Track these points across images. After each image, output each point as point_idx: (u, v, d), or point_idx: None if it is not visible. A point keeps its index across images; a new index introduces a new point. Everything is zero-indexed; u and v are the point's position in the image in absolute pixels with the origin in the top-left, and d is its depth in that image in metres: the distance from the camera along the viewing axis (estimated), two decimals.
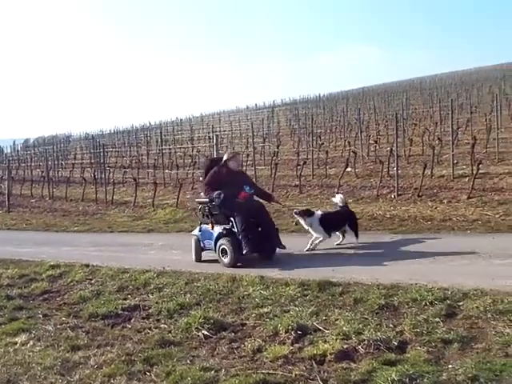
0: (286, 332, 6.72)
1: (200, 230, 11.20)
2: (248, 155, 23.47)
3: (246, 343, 6.66)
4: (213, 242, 10.73)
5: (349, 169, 18.76)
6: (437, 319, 6.72)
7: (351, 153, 20.48)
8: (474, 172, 14.73)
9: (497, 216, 11.95)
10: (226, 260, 10.42)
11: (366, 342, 6.21)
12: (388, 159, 17.42)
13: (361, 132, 25.62)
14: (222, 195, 10.59)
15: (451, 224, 11.63)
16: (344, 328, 6.63)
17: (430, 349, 6.05)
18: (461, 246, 10.00)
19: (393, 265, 9.46)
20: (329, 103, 66.38)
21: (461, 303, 7.12)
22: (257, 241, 10.36)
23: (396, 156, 16.34)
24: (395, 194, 15.10)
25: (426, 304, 7.17)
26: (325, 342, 6.36)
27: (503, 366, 5.52)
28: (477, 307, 6.89)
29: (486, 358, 5.74)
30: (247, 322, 7.29)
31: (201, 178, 11.91)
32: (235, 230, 10.48)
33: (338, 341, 6.32)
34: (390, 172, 16.97)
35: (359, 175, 18.69)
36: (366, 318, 6.93)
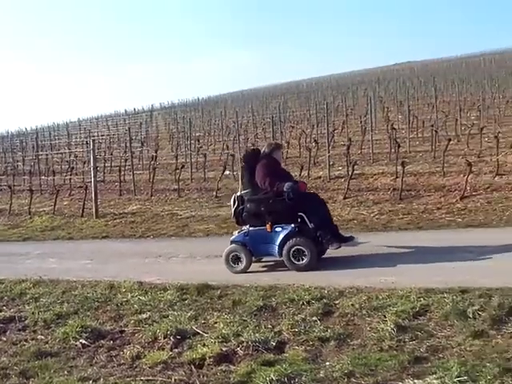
0: (164, 337, 6.69)
1: (247, 235, 9.56)
2: (126, 160, 23.17)
3: (124, 350, 6.58)
4: (276, 246, 9.27)
5: (227, 172, 18.84)
6: (314, 318, 6.86)
7: (229, 156, 20.55)
8: (350, 173, 15.09)
9: (371, 215, 12.27)
10: (304, 262, 9.07)
11: (244, 344, 6.26)
12: None
13: (239, 135, 25.77)
14: (296, 186, 9.49)
15: None
16: (223, 331, 6.67)
17: (308, 347, 6.17)
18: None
19: (270, 266, 9.56)
20: (207, 107, 66.58)
21: (337, 301, 7.31)
22: (335, 231, 9.56)
23: None
24: None
25: (303, 304, 7.31)
26: (204, 345, 6.37)
27: (378, 360, 5.69)
28: (352, 305, 7.08)
29: (362, 353, 5.90)
30: (126, 329, 7.20)
31: (240, 174, 10.30)
32: (309, 225, 9.26)
33: (216, 344, 6.34)
34: None
35: (237, 178, 18.76)
36: (245, 320, 6.98)
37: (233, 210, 9.79)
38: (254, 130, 33.64)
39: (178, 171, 18.61)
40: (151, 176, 19.11)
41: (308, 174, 17.37)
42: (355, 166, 15.94)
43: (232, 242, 9.67)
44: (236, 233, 9.86)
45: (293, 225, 9.25)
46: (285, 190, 9.24)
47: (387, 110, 32.74)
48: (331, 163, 17.93)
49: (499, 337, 5.95)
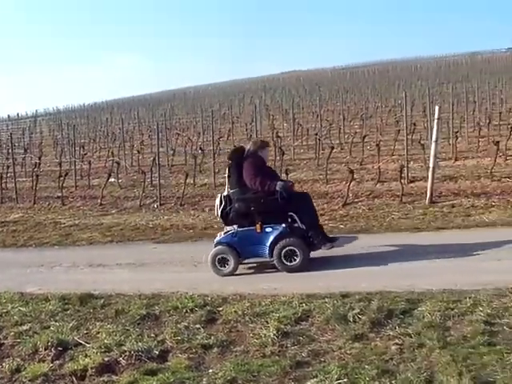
0: (45, 349, 6.53)
1: (235, 236, 9.22)
2: (8, 167, 22.47)
3: (3, 364, 6.37)
4: (266, 246, 8.99)
5: (112, 179, 18.57)
6: (197, 325, 6.87)
7: (114, 163, 20.30)
8: None
9: None
10: (296, 263, 8.86)
11: (127, 354, 6.19)
12: (151, 169, 17.47)
13: (124, 142, 25.50)
14: (289, 184, 9.32)
15: (212, 231, 11.84)
16: (105, 341, 6.58)
17: (191, 355, 6.16)
18: None
19: (155, 274, 9.48)
20: (93, 113, 65.54)
21: (220, 308, 7.34)
22: (325, 234, 9.36)
23: (158, 166, 16.44)
24: (158, 203, 15.16)
25: (186, 311, 7.30)
26: (86, 356, 6.26)
27: (260, 366, 5.75)
28: (235, 311, 7.12)
29: (245, 360, 5.95)
30: (5, 342, 6.98)
31: (227, 171, 9.73)
32: (300, 226, 9.08)
33: (99, 354, 6.25)
34: (154, 182, 17.02)
35: (122, 186, 18.57)
36: (128, 330, 6.91)
37: (220, 210, 9.38)
38: (139, 136, 33.36)
39: (61, 178, 18.19)
40: (34, 183, 18.60)
41: (193, 181, 17.36)
42: None
43: (218, 244, 9.31)
44: (221, 234, 9.50)
45: (284, 225, 9.03)
46: (277, 189, 9.01)
47: (273, 118, 33.17)
48: (217, 170, 17.97)
49: (378, 339, 6.12)
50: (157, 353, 6.23)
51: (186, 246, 11.20)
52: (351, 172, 13.53)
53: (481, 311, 6.51)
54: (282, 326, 6.54)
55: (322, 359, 5.81)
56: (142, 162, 21.91)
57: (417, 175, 15.54)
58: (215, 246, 9.29)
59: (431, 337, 5.97)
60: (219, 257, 9.15)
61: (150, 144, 27.84)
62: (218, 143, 23.47)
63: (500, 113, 25.56)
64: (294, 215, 9.09)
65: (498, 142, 15.62)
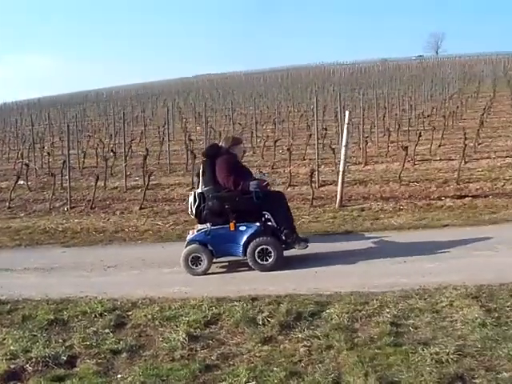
0: None
1: (208, 234, 9.07)
2: None
3: None
4: (240, 245, 8.91)
5: (21, 181, 18.13)
6: (106, 330, 6.79)
7: (24, 165, 19.83)
8: (146, 183, 15.04)
9: (167, 226, 12.30)
10: (270, 262, 8.81)
11: (34, 360, 6.08)
12: (61, 171, 17.14)
13: (34, 144, 24.96)
14: (261, 186, 9.11)
15: (123, 235, 11.74)
16: (11, 347, 6.43)
17: (100, 361, 6.09)
18: (132, 256, 10.14)
19: (64, 279, 9.30)
20: (2, 114, 63.84)
21: (130, 313, 7.29)
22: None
23: (68, 168, 16.14)
24: (68, 206, 14.89)
25: (95, 316, 7.21)
26: None
27: (169, 370, 5.75)
28: (145, 315, 7.08)
29: (154, 364, 5.92)
30: None
31: (201, 168, 9.45)
32: (274, 225, 9.05)
33: (4, 361, 6.11)
34: (64, 184, 16.71)
35: (32, 188, 18.15)
36: (35, 335, 6.77)
37: (194, 207, 9.23)
38: (50, 138, 32.70)
39: None
40: None
41: (104, 184, 17.11)
42: (152, 177, 15.95)
43: (191, 242, 9.12)
44: (193, 232, 9.33)
45: (258, 223, 8.97)
46: (252, 189, 8.93)
47: (185, 121, 33.05)
48: (128, 173, 17.80)
49: (287, 342, 6.19)
50: (64, 358, 6.12)
51: (96, 249, 11.04)
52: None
53: (387, 313, 6.68)
54: (192, 330, 6.55)
55: (231, 362, 5.84)
56: (52, 165, 21.48)
57: (327, 179, 15.75)
58: (187, 245, 9.14)
59: (339, 338, 6.08)
60: (192, 256, 9.01)
61: (61, 146, 27.30)
62: (130, 146, 23.25)
63: (409, 119, 26.20)
64: (268, 214, 9.08)
65: (406, 147, 16.01)
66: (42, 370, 5.95)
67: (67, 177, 15.86)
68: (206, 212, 9.13)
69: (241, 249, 8.92)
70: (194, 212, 9.29)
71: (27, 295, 8.18)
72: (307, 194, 13.61)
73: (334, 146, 17.27)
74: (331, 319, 6.60)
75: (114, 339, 6.53)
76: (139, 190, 15.96)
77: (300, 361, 5.75)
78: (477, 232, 10.14)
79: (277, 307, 6.98)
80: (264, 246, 8.79)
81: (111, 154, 20.54)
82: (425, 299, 7.01)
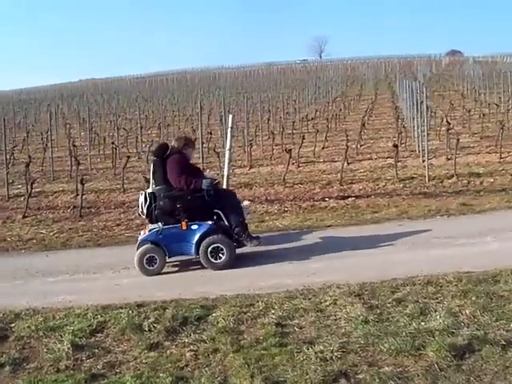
0: None
1: (160, 234, 8.94)
2: None
3: None
4: (193, 244, 8.84)
5: None
6: None
7: None
8: (29, 191, 14.67)
9: (51, 234, 12.02)
10: (221, 260, 8.79)
11: None
12: None
13: None
14: (214, 182, 9.13)
15: (5, 245, 11.40)
16: None
17: None
18: (14, 267, 9.87)
19: None
20: None
21: (13, 324, 7.10)
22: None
23: None
24: None
25: None
26: None
27: (54, 381, 5.71)
28: (29, 327, 6.94)
29: (38, 376, 5.84)
30: None
31: (152, 169, 9.39)
32: (225, 223, 9.00)
33: None
34: None
35: None
36: None
37: (145, 207, 9.09)
38: None
39: None
40: None
41: None
42: (35, 184, 15.56)
43: (143, 242, 9.01)
44: (145, 232, 9.20)
45: (210, 222, 8.94)
46: (204, 187, 8.91)
47: (69, 127, 32.44)
48: (10, 181, 17.31)
49: (173, 347, 6.22)
50: None
51: None
52: (147, 181, 13.51)
53: (273, 314, 6.80)
54: (77, 339, 6.48)
55: (118, 370, 5.81)
56: None
57: None
58: (140, 245, 9.04)
59: (225, 341, 6.14)
60: (147, 256, 8.90)
61: None
62: (12, 153, 22.63)
63: (293, 122, 26.59)
64: (220, 213, 9.07)
65: (290, 149, 16.27)
66: None
67: None
68: (157, 211, 9.08)
69: (193, 248, 8.91)
70: (144, 212, 9.22)
71: None
72: None
73: (218, 150, 17.38)
74: (217, 322, 6.66)
75: None
76: (22, 198, 15.52)
77: (187, 365, 5.79)
78: (359, 231, 10.44)
79: (163, 313, 6.99)
80: (216, 245, 8.82)
81: None
82: (309, 299, 7.17)
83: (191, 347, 6.12)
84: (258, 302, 7.14)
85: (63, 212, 13.95)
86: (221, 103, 24.69)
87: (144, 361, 5.94)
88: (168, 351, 6.12)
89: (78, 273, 9.32)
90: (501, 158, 17.00)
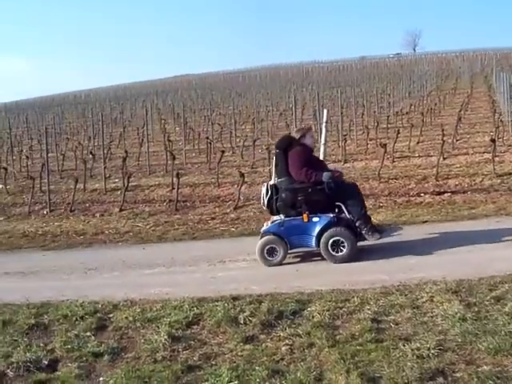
0: None
1: (282, 225, 9.06)
2: None
3: None
4: (314, 236, 8.86)
5: (0, 186, 18.04)
6: (88, 333, 6.77)
7: (2, 169, 19.69)
8: (126, 185, 15.00)
9: (147, 227, 12.26)
10: (344, 253, 8.77)
11: (15, 365, 6.07)
12: (40, 174, 17.04)
13: (13, 147, 24.84)
14: (334, 177, 9.07)
15: (103, 237, 11.70)
16: None
17: (81, 364, 6.08)
18: (112, 258, 10.12)
19: (44, 282, 9.24)
20: None
21: (111, 315, 7.27)
22: (373, 224, 9.24)
23: (47, 171, 16.07)
24: (47, 209, 14.80)
25: (76, 319, 7.18)
26: None
27: (151, 372, 5.74)
28: (126, 317, 7.07)
29: (136, 366, 5.93)
30: None
31: (274, 160, 9.49)
32: (347, 216, 8.98)
33: None
34: (43, 188, 16.62)
35: (11, 192, 18.04)
36: (16, 340, 6.74)
37: (266, 199, 9.28)
38: (29, 141, 32.57)
39: None
40: None
41: (84, 186, 17.04)
42: (131, 178, 15.91)
43: (265, 234, 9.16)
44: (268, 224, 9.35)
45: (331, 215, 8.94)
46: (324, 180, 8.89)
47: (164, 122, 33.01)
48: (107, 175, 17.75)
49: (269, 340, 6.21)
50: (46, 363, 6.11)
51: (76, 252, 11.00)
52: (242, 175, 13.63)
53: (368, 309, 6.72)
54: (174, 331, 6.56)
55: (213, 362, 5.85)
56: (31, 168, 21.36)
57: None
58: (262, 236, 9.16)
59: (320, 336, 6.10)
60: (268, 247, 9.02)
61: (40, 149, 27.21)
62: (109, 148, 23.20)
63: (388, 116, 26.31)
64: (342, 205, 9.01)
65: (385, 144, 16.05)
66: (23, 374, 5.95)
67: (46, 180, 15.79)
68: (279, 203, 9.15)
69: (314, 240, 8.89)
70: (265, 203, 9.34)
71: (7, 300, 8.11)
72: None
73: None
74: (312, 317, 6.62)
75: (95, 342, 6.51)
76: (119, 192, 15.91)
77: (282, 359, 5.77)
78: (456, 227, 10.21)
79: (258, 306, 7.00)
80: (337, 238, 8.77)
81: (90, 156, 20.46)
82: (405, 295, 7.05)
83: (286, 341, 6.11)
84: (353, 297, 7.08)
85: (159, 206, 14.21)
86: (314, 98, 24.64)
87: (240, 353, 5.96)
88: (263, 344, 6.12)
89: (173, 265, 9.47)
90: None
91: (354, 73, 78.78)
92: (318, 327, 6.33)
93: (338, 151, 19.72)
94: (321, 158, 10.52)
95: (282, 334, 6.28)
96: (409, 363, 5.41)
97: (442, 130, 17.41)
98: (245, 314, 6.82)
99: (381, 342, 5.88)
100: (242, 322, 6.67)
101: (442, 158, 16.05)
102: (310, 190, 8.94)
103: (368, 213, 9.46)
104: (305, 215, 8.90)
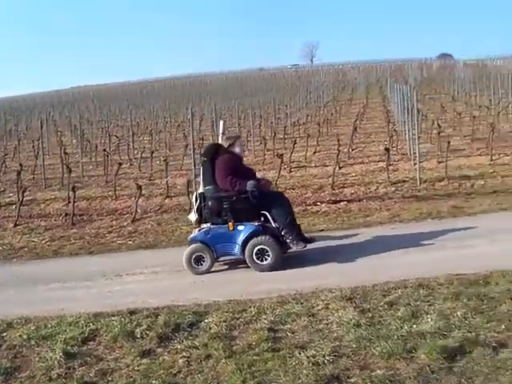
0: None
1: (208, 233, 9.05)
2: None
3: None
4: (238, 245, 8.89)
5: None
6: None
7: None
8: (21, 199, 14.62)
9: (43, 242, 11.97)
10: (268, 262, 8.75)
11: None
12: None
13: None
14: (259, 184, 9.06)
15: None
16: None
17: None
18: (6, 275, 9.88)
19: None
20: None
21: (4, 334, 7.08)
22: (299, 231, 9.11)
23: None
24: None
25: None
26: None
27: None
28: (20, 336, 6.92)
29: None
30: None
31: (201, 169, 9.53)
32: (272, 224, 8.94)
33: None
34: None
35: None
36: None
37: (195, 207, 9.27)
38: None
39: None
40: None
41: None
42: (26, 192, 15.54)
43: (192, 242, 9.15)
44: (196, 231, 9.32)
45: (256, 223, 8.92)
46: (248, 189, 8.87)
47: (61, 135, 32.37)
48: (2, 189, 17.24)
49: (166, 354, 6.21)
50: None
51: None
52: (139, 188, 13.51)
53: (265, 319, 6.81)
54: (69, 348, 6.46)
55: (110, 378, 5.80)
56: None
57: None
58: (189, 244, 9.18)
59: (217, 347, 6.14)
60: (195, 255, 9.02)
61: None
62: (4, 161, 22.58)
63: (285, 127, 26.57)
64: (267, 214, 9.00)
65: (282, 154, 16.24)
66: None
67: None
68: (206, 212, 9.15)
69: (239, 248, 8.92)
70: (195, 211, 9.36)
71: None
72: (185, 204, 13.53)
73: None
74: (210, 328, 6.66)
75: None
76: (14, 207, 15.47)
77: (179, 372, 5.78)
78: (352, 235, 10.45)
79: (155, 319, 6.99)
80: (262, 246, 8.79)
81: None
82: (301, 303, 7.18)
83: (184, 354, 6.11)
84: (250, 307, 7.15)
85: (55, 220, 13.91)
86: (212, 109, 24.68)
87: (136, 368, 5.93)
88: (160, 358, 6.11)
89: (70, 280, 9.28)
90: (491, 160, 17.07)
91: (253, 84, 79.42)
92: (215, 338, 6.37)
93: None
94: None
95: (179, 347, 6.28)
96: (304, 371, 5.51)
97: (338, 140, 17.75)
98: (142, 327, 6.80)
99: (277, 351, 5.96)
100: (138, 336, 6.64)
101: (337, 168, 16.36)
102: (234, 198, 8.98)
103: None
104: (230, 223, 8.95)
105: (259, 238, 8.82)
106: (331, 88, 55.29)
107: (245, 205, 8.95)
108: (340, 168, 17.07)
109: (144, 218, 13.25)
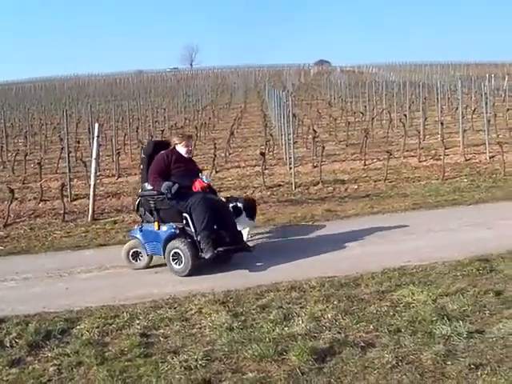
0: None
1: (141, 231, 8.97)
2: None
3: None
4: (160, 245, 8.72)
5: None
6: None
7: None
8: None
9: None
10: (180, 267, 8.58)
11: None
12: None
13: None
14: (176, 186, 8.66)
15: None
16: None
17: None
18: None
19: None
20: None
21: None
22: (218, 242, 8.66)
23: None
24: None
25: None
26: None
27: None
28: None
29: None
30: None
31: (141, 166, 9.56)
32: (191, 229, 8.67)
33: None
34: None
35: None
36: None
37: (136, 203, 9.45)
38: None
39: None
40: None
41: None
42: None
43: (130, 237, 9.30)
44: (135, 227, 9.41)
45: (174, 226, 8.76)
46: (162, 190, 8.69)
47: None
48: None
49: (36, 362, 6.10)
50: None
51: None
52: (12, 191, 13.12)
53: (138, 324, 6.82)
54: None
55: None
56: None
57: (80, 193, 15.48)
58: (128, 239, 9.37)
59: (89, 354, 6.08)
60: (132, 251, 9.07)
61: None
62: None
63: (162, 130, 26.38)
64: (188, 217, 8.80)
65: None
66: None
67: None
68: (141, 209, 9.23)
69: (161, 249, 8.83)
70: (135, 208, 9.55)
71: None
72: (59, 208, 13.27)
73: (86, 159, 17.06)
74: (81, 335, 6.60)
75: None
76: None
77: (50, 380, 5.70)
78: None
79: (25, 327, 6.83)
80: (176, 250, 8.66)
81: None
82: (174, 308, 7.24)
83: (54, 361, 6.03)
84: (123, 312, 7.13)
85: None
86: (89, 111, 24.28)
87: (5, 378, 5.78)
88: (30, 367, 5.98)
89: None
90: (365, 165, 17.64)
91: (131, 86, 78.56)
92: (87, 345, 6.31)
93: (112, 165, 19.54)
94: (92, 172, 10.47)
95: (49, 355, 6.18)
96: (177, 376, 5.56)
97: (214, 144, 17.91)
98: (11, 336, 6.64)
99: (150, 357, 5.99)
100: (8, 344, 6.48)
101: (214, 172, 16.48)
102: (158, 197, 8.92)
103: None
104: (156, 223, 8.92)
105: (175, 241, 8.73)
106: (210, 92, 55.38)
107: (167, 205, 8.91)
108: (217, 172, 17.19)
109: (17, 222, 12.86)
